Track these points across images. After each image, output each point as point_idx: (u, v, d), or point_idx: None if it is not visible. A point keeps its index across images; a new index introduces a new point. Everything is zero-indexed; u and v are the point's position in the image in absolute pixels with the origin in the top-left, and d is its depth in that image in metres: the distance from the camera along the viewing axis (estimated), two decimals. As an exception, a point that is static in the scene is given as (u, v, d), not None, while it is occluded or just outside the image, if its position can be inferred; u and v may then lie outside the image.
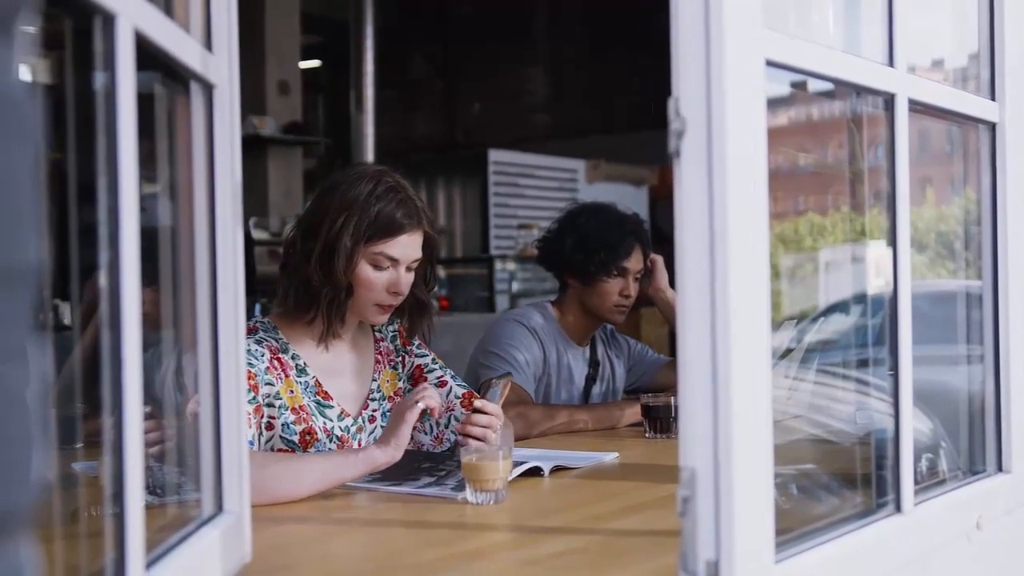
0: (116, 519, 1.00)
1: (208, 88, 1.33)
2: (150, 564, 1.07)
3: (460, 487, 1.91)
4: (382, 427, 2.29)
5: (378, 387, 2.33)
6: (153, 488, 1.32)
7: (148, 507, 1.06)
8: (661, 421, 2.62)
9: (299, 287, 2.19)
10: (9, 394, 0.55)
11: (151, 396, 1.13)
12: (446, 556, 1.56)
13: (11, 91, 0.57)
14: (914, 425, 1.54)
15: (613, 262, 2.95)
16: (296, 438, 2.15)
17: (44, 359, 0.60)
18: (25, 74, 0.59)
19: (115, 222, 0.99)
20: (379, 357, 2.36)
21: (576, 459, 2.25)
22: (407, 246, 2.19)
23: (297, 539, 1.68)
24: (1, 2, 0.56)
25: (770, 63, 1.24)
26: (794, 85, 1.48)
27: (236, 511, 1.37)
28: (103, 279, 0.99)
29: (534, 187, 8.12)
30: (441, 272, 7.66)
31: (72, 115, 1.08)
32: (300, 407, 2.17)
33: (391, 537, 1.71)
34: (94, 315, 1.43)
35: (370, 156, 8.76)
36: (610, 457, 2.33)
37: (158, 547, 1.15)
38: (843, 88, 1.59)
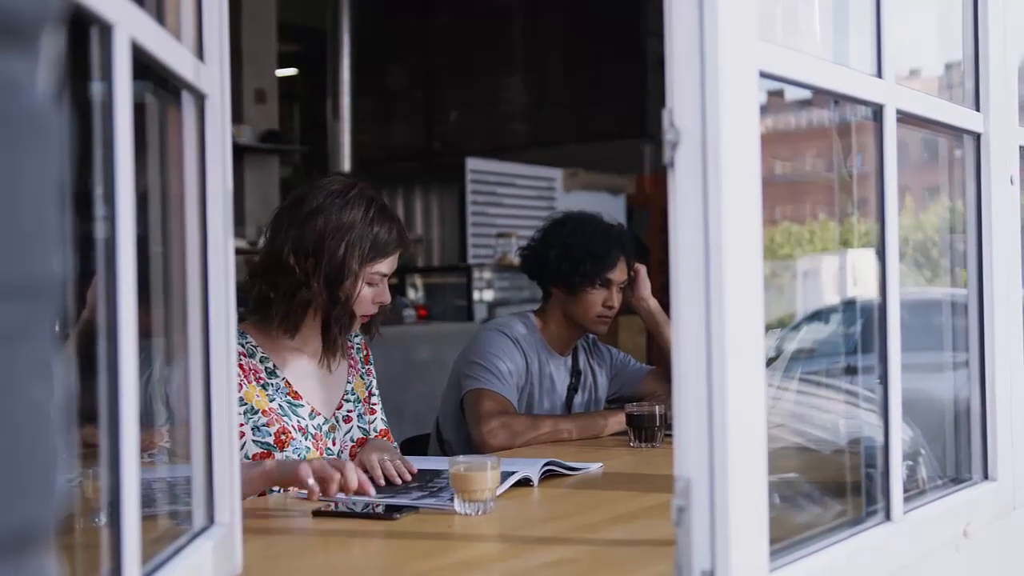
0: (112, 531, 0.99)
1: (200, 98, 1.33)
2: (145, 577, 1.06)
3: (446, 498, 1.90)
4: (359, 427, 2.39)
5: (352, 389, 2.41)
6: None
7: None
8: (646, 430, 2.62)
9: (300, 307, 2.24)
10: (35, 409, 0.54)
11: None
12: (437, 567, 1.55)
13: (38, 106, 0.57)
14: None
15: (598, 273, 2.95)
16: (271, 439, 2.20)
17: (66, 372, 0.60)
18: (49, 86, 0.59)
19: (112, 231, 0.98)
20: (352, 362, 2.44)
21: (563, 465, 2.25)
22: (395, 261, 2.32)
23: (287, 551, 1.68)
24: (26, 17, 0.56)
25: (763, 74, 1.24)
26: (771, 93, 1.49)
27: (227, 523, 1.36)
28: (100, 289, 0.98)
29: (512, 196, 8.11)
30: (418, 281, 7.65)
31: (66, 124, 1.07)
32: (270, 409, 2.22)
33: (381, 549, 1.70)
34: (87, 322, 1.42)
35: (347, 165, 8.74)
36: (596, 467, 2.33)
37: (152, 559, 1.14)
38: (823, 97, 1.60)
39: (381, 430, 2.46)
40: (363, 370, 2.47)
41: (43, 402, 0.55)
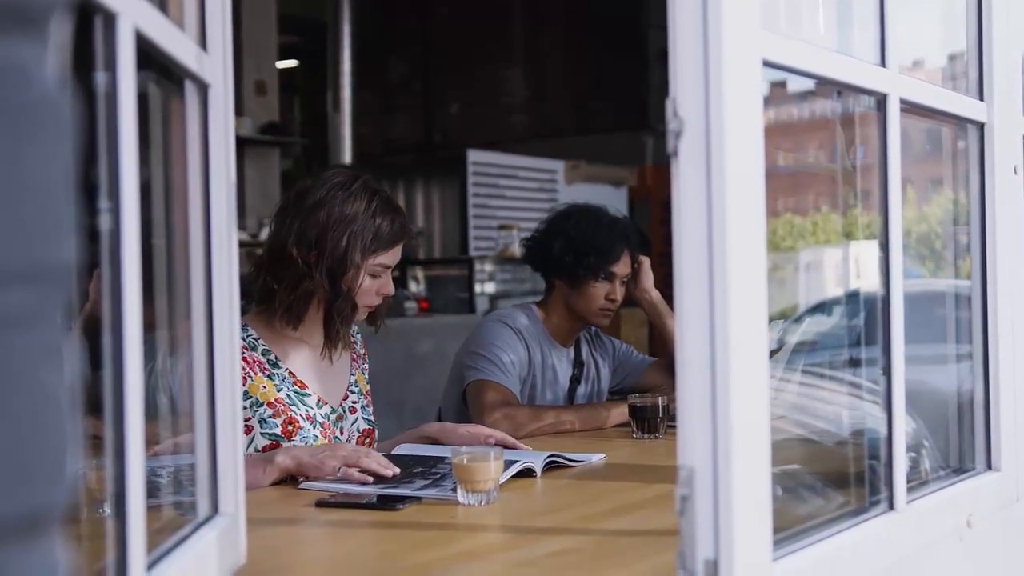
0: (117, 521, 0.99)
1: (203, 88, 1.32)
2: (150, 566, 1.06)
3: (450, 488, 1.90)
4: (363, 418, 2.41)
5: (355, 381, 2.43)
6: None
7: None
8: (648, 421, 2.63)
9: (303, 299, 2.26)
10: (46, 394, 0.55)
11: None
12: (441, 557, 1.55)
13: (48, 92, 0.57)
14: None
15: (602, 266, 2.95)
16: (278, 430, 2.20)
17: (76, 358, 0.60)
18: (59, 72, 0.59)
19: (116, 222, 0.98)
20: (354, 355, 2.46)
21: (566, 456, 2.25)
22: (398, 253, 2.33)
23: (291, 541, 1.68)
24: (36, 4, 0.56)
25: (767, 63, 1.24)
26: (774, 84, 1.49)
27: (232, 513, 1.36)
28: (104, 281, 0.98)
29: (513, 188, 8.11)
30: (420, 273, 7.65)
31: (75, 111, 1.07)
32: (276, 400, 2.24)
33: (384, 539, 1.70)
34: (89, 315, 1.42)
35: (347, 157, 8.74)
36: (598, 458, 2.33)
37: (156, 549, 1.14)
38: (825, 87, 1.59)
39: (365, 429, 2.46)
40: (363, 366, 2.50)
41: (54, 387, 0.55)
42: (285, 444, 2.19)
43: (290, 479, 2.09)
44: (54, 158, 0.57)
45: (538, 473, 2.11)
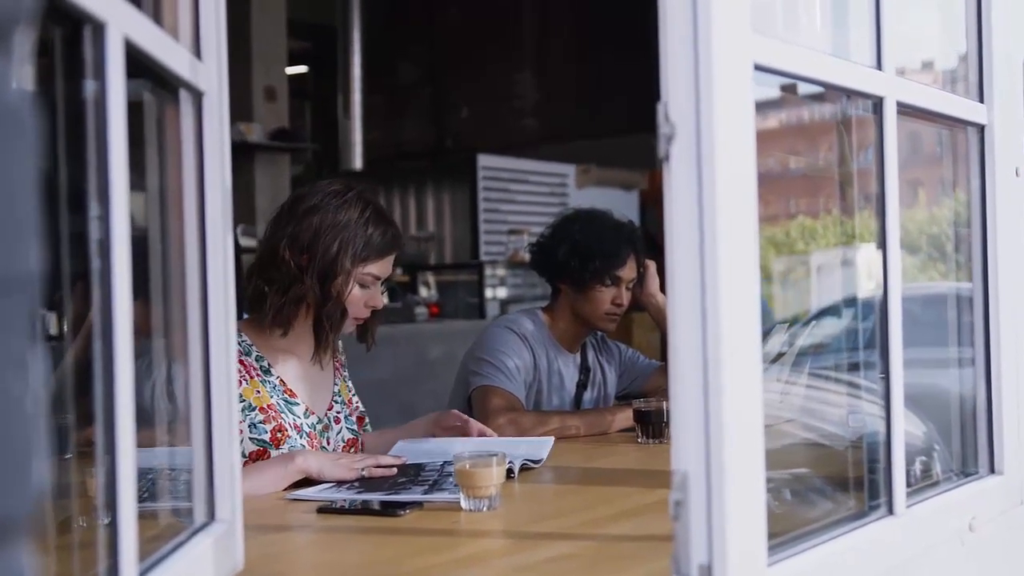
0: (110, 528, 0.99)
1: (197, 96, 1.33)
2: (145, 572, 1.07)
3: (457, 490, 1.90)
4: (347, 428, 2.43)
5: (338, 391, 2.45)
6: (142, 496, 1.31)
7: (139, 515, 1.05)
8: (653, 426, 2.62)
9: (293, 303, 2.27)
10: (10, 402, 0.55)
11: (141, 406, 1.12)
12: (440, 563, 1.55)
13: (10, 101, 0.57)
14: (907, 428, 1.54)
15: (607, 271, 2.94)
16: (267, 436, 2.23)
17: (43, 367, 0.60)
18: (23, 83, 0.59)
19: (106, 231, 0.99)
20: (337, 365, 2.48)
21: (531, 459, 2.28)
22: (390, 264, 2.35)
23: (289, 548, 1.68)
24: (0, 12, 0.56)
25: (759, 67, 1.24)
26: (783, 88, 1.49)
27: (228, 520, 1.37)
28: (95, 289, 0.99)
29: (524, 192, 8.12)
30: (431, 278, 7.65)
31: (60, 123, 1.08)
32: (268, 406, 2.26)
33: (384, 544, 1.70)
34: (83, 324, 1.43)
35: (358, 163, 8.75)
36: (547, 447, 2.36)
37: (151, 556, 1.14)
38: (832, 91, 1.59)
39: (349, 439, 2.47)
40: (346, 374, 2.52)
41: (19, 396, 0.56)
42: (273, 452, 2.21)
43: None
44: (19, 168, 0.57)
45: (515, 475, 2.13)
